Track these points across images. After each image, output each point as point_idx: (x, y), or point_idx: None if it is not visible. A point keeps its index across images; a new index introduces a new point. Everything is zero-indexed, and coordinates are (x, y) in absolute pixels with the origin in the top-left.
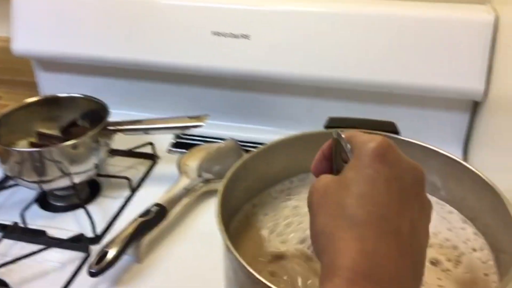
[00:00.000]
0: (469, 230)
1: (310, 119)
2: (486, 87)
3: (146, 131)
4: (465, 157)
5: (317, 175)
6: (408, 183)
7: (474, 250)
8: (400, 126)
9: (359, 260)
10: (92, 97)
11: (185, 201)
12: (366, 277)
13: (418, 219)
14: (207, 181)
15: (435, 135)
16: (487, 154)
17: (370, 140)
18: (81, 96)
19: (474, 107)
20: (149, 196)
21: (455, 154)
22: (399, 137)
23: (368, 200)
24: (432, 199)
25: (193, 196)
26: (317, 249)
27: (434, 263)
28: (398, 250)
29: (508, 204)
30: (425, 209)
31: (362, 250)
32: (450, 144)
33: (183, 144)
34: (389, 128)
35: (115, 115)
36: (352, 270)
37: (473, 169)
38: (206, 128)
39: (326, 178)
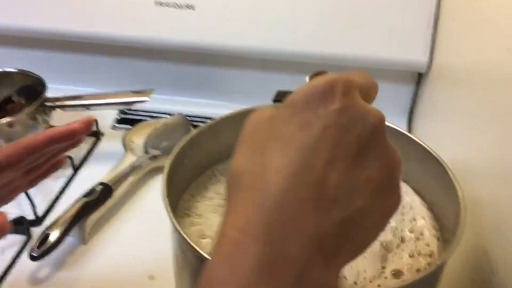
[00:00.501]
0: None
1: (259, 93)
2: (430, 59)
3: (87, 107)
4: (410, 128)
5: None
6: (358, 135)
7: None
8: None
9: (254, 218)
10: (27, 71)
11: (131, 179)
12: (259, 239)
13: (370, 177)
14: (154, 157)
15: (381, 106)
16: (431, 125)
17: (324, 78)
18: (16, 70)
19: (419, 78)
20: (93, 175)
21: (400, 125)
22: None
23: (291, 144)
24: None
25: (139, 174)
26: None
27: None
28: (315, 207)
29: (451, 175)
30: (387, 166)
31: (262, 205)
32: (396, 115)
33: (128, 120)
34: None
35: (53, 90)
36: (242, 230)
37: (417, 140)
38: (152, 103)
39: (265, 111)
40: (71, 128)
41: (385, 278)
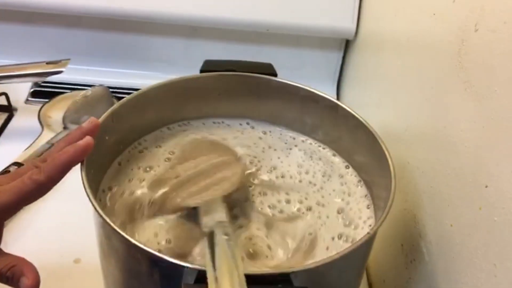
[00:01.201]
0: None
1: (186, 61)
2: (356, 26)
3: None
4: (338, 96)
5: None
6: None
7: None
8: (276, 66)
9: None
10: None
11: None
12: None
13: None
14: None
15: (310, 74)
16: (359, 92)
17: None
18: None
19: (346, 45)
20: (6, 154)
21: (329, 93)
22: (277, 79)
23: None
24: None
25: None
26: None
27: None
28: None
29: (380, 140)
30: None
31: None
32: (324, 83)
33: (44, 92)
34: (267, 70)
35: None
36: None
37: (347, 108)
38: (71, 73)
39: None
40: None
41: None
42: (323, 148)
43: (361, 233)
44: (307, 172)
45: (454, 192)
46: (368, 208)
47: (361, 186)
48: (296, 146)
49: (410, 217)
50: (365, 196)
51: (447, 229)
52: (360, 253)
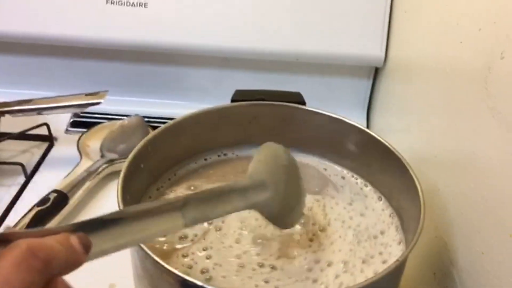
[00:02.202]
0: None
1: (217, 91)
2: (385, 53)
3: (38, 111)
4: (368, 123)
5: None
6: None
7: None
8: (305, 94)
9: None
10: None
11: (87, 185)
12: None
13: None
14: (111, 161)
15: (340, 102)
16: (388, 119)
17: None
18: None
19: (375, 73)
20: (47, 182)
21: (359, 120)
22: (305, 107)
23: None
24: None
25: (96, 179)
26: None
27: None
28: None
29: (409, 167)
30: None
31: None
32: (354, 110)
33: (82, 123)
34: (296, 98)
35: (1, 94)
36: None
37: (375, 135)
38: (108, 104)
39: None
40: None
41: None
42: (352, 177)
43: (390, 260)
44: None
45: (484, 219)
46: (397, 232)
47: (391, 216)
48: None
49: (442, 245)
50: (394, 223)
51: (478, 257)
52: (389, 280)
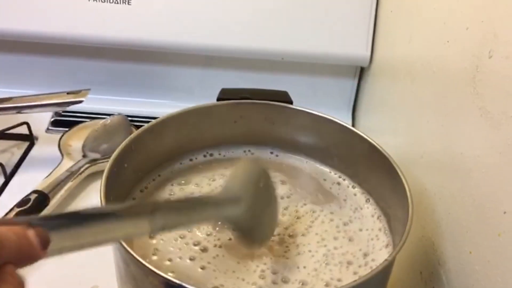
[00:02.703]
0: (361, 195)
1: (202, 90)
2: (371, 53)
3: (18, 110)
4: (354, 123)
5: None
6: None
7: (367, 214)
8: (292, 93)
9: None
10: None
11: (69, 185)
12: None
13: None
14: (93, 161)
15: (326, 101)
16: (374, 118)
17: None
18: None
19: (361, 72)
20: (27, 182)
21: (345, 120)
22: (291, 106)
23: None
24: (325, 169)
25: (78, 179)
26: None
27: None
28: None
29: (396, 167)
30: None
31: None
32: (340, 110)
33: (64, 122)
34: (282, 97)
35: None
36: None
37: (362, 134)
38: (90, 103)
39: None
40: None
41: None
42: (339, 177)
43: (378, 260)
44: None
45: (473, 218)
46: (385, 235)
47: (378, 216)
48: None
49: (429, 244)
50: (381, 222)
51: (466, 256)
52: (378, 280)
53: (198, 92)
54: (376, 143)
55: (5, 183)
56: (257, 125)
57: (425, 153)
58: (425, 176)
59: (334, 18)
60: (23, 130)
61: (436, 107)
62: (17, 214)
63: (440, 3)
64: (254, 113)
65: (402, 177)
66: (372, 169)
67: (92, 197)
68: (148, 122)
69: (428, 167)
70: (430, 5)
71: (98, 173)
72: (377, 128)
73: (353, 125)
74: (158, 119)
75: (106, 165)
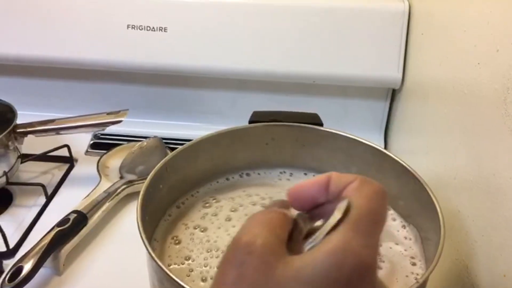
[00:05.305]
0: (392, 216)
1: (234, 113)
2: (402, 75)
3: (60, 131)
4: (386, 144)
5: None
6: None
7: (400, 236)
8: (323, 116)
9: None
10: None
11: (106, 205)
12: None
13: None
14: (130, 182)
15: (357, 123)
16: (406, 140)
17: (351, 251)
18: None
19: (392, 94)
20: (67, 203)
21: (376, 141)
22: (322, 128)
23: None
24: None
25: (115, 200)
26: None
27: None
28: None
29: (429, 190)
30: None
31: None
32: (371, 132)
33: (102, 144)
34: (313, 120)
35: (24, 116)
36: None
37: (393, 156)
38: (127, 126)
39: (276, 248)
40: None
41: None
42: None
43: (410, 282)
44: None
45: (506, 241)
46: (418, 257)
47: (410, 238)
48: None
49: (462, 267)
50: (414, 245)
51: (501, 279)
52: None
53: (231, 115)
54: (408, 165)
55: (46, 203)
56: (289, 147)
57: (458, 174)
58: (458, 198)
59: (364, 41)
60: (64, 152)
61: (468, 128)
62: (57, 233)
63: (471, 25)
64: (285, 135)
65: (434, 199)
66: (404, 191)
67: (128, 217)
68: (182, 144)
69: (460, 189)
70: (461, 28)
71: (135, 194)
72: (410, 150)
73: (385, 147)
74: (192, 141)
75: (142, 186)
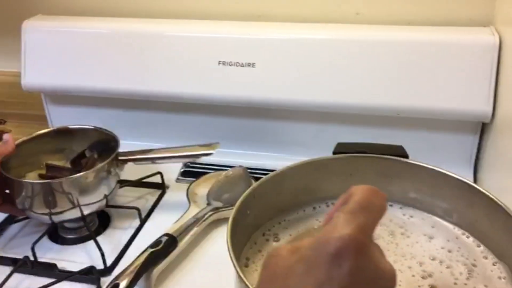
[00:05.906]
0: (483, 253)
1: (318, 145)
2: (493, 109)
3: (156, 160)
4: (475, 179)
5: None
6: None
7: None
8: (408, 149)
9: None
10: (102, 128)
11: (194, 230)
12: None
13: None
14: (216, 209)
15: (444, 157)
16: (498, 176)
17: (338, 231)
18: (91, 127)
19: (482, 128)
20: (158, 226)
21: (465, 176)
22: (407, 160)
23: None
24: (443, 223)
25: (202, 225)
26: None
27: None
28: None
29: None
30: None
31: None
32: (460, 166)
33: (191, 172)
34: (398, 152)
35: (123, 145)
36: None
37: (484, 191)
38: (214, 156)
39: (282, 260)
40: None
41: None
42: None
43: None
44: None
45: None
46: None
47: (503, 277)
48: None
49: None
50: (505, 282)
51: None
52: None
53: (314, 147)
54: (498, 199)
55: (140, 226)
56: (373, 178)
57: None
58: None
59: (452, 73)
60: (157, 179)
61: None
62: (150, 254)
63: None
64: (369, 167)
65: None
66: (493, 227)
67: (214, 241)
68: (266, 174)
69: None
70: None
71: (220, 220)
72: (501, 186)
73: (475, 182)
74: (277, 170)
75: (229, 213)
